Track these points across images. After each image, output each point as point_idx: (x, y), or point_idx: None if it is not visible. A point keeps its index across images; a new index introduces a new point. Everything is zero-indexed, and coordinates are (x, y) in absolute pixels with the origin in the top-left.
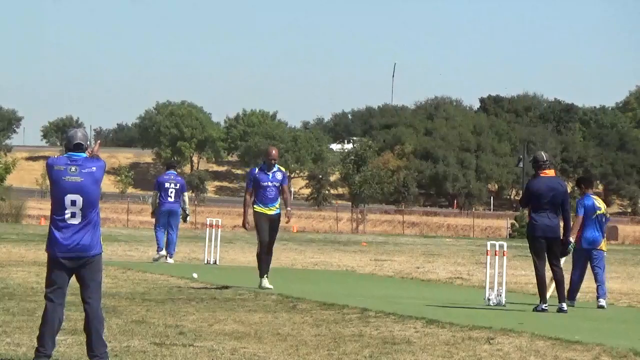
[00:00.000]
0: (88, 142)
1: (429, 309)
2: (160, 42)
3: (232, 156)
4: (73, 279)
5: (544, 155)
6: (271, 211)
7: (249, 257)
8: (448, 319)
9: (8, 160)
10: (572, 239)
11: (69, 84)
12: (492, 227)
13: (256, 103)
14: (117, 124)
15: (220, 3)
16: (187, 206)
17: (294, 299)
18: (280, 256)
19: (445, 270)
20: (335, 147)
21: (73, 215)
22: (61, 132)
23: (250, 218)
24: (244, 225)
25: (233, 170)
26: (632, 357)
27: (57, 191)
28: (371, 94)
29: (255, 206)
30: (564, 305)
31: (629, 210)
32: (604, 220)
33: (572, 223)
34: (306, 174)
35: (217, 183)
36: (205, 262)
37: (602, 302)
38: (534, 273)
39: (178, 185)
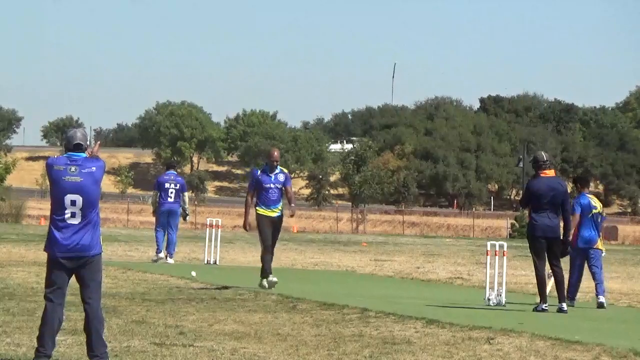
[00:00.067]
0: (88, 142)
1: (429, 309)
2: (160, 42)
3: (232, 156)
4: (73, 279)
5: (544, 155)
6: (274, 213)
7: (249, 257)
8: (448, 319)
9: (8, 160)
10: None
11: (69, 84)
12: (492, 227)
13: (256, 103)
14: (117, 124)
15: (220, 3)
16: (187, 206)
17: (294, 299)
18: (281, 256)
19: (445, 270)
20: (334, 147)
21: (73, 215)
22: (61, 132)
23: (252, 219)
24: (244, 227)
25: (233, 171)
26: (632, 357)
27: (56, 191)
28: (371, 94)
29: (257, 208)
30: (564, 305)
31: (629, 210)
32: (599, 219)
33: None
34: (306, 174)
35: (217, 183)
36: (205, 262)
37: (602, 298)
38: (534, 273)
39: (178, 185)
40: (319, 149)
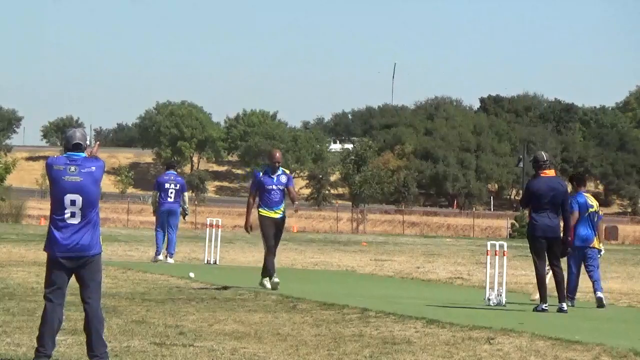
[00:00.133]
0: (87, 142)
1: (429, 309)
2: (160, 42)
3: (232, 156)
4: (73, 279)
5: (544, 155)
6: (276, 214)
7: (249, 257)
8: (448, 319)
9: (8, 160)
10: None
11: (69, 84)
12: (492, 227)
13: (256, 103)
14: (117, 124)
15: (220, 3)
16: (186, 206)
17: (294, 299)
18: (280, 256)
19: (445, 270)
20: (334, 147)
21: (73, 215)
22: (61, 132)
23: (253, 221)
24: (246, 229)
25: (233, 170)
26: (632, 357)
27: (56, 191)
28: (371, 94)
29: (260, 209)
30: (564, 305)
31: (629, 210)
32: (596, 218)
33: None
34: (306, 174)
35: (217, 183)
36: (205, 262)
37: (600, 294)
38: (534, 273)
39: (178, 185)
40: (319, 148)
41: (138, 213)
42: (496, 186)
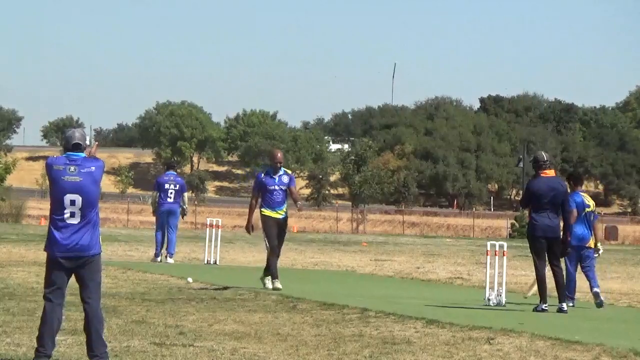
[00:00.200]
0: (87, 142)
1: (429, 309)
2: (160, 42)
3: (232, 156)
4: (73, 279)
5: (544, 155)
6: (279, 215)
7: (249, 257)
8: (448, 319)
9: (8, 160)
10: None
11: (69, 84)
12: (492, 227)
13: (256, 103)
14: (117, 124)
15: (220, 3)
16: (186, 206)
17: (294, 299)
18: (281, 256)
19: (445, 270)
20: (334, 147)
21: (72, 215)
22: (61, 132)
23: (254, 221)
24: (247, 229)
25: (233, 170)
26: (632, 357)
27: (56, 191)
28: (371, 94)
29: (262, 209)
30: (564, 305)
31: (629, 210)
32: (592, 217)
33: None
34: (306, 174)
35: (217, 183)
36: (205, 262)
37: (596, 289)
38: (534, 273)
39: (178, 186)
40: (319, 149)
41: (138, 213)
42: (496, 186)
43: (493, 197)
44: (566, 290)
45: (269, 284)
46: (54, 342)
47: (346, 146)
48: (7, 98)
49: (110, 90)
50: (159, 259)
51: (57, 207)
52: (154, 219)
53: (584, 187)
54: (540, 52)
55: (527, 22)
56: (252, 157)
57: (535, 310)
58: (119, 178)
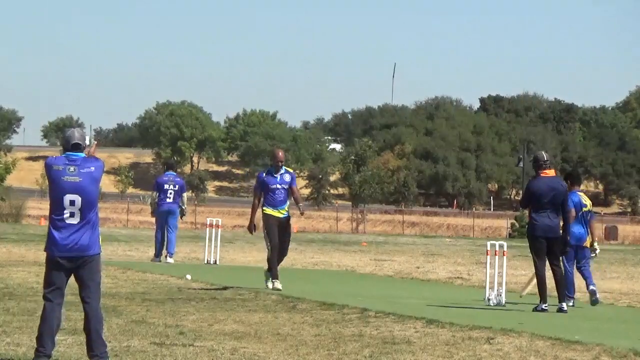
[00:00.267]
0: (86, 142)
1: (429, 309)
2: (160, 42)
3: (232, 156)
4: (72, 279)
5: (544, 155)
6: (281, 214)
7: (248, 257)
8: (448, 319)
9: (8, 160)
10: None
11: (69, 84)
12: (492, 227)
13: (256, 103)
14: (117, 124)
15: (220, 3)
16: (185, 206)
17: (294, 299)
18: None
19: (445, 270)
20: (334, 147)
21: (72, 215)
22: (61, 132)
23: (257, 221)
24: (249, 229)
25: (233, 170)
26: (632, 357)
27: (55, 191)
28: (371, 94)
29: (264, 208)
30: (564, 305)
31: (629, 210)
32: (589, 217)
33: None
34: (306, 174)
35: (217, 183)
36: (205, 262)
37: (592, 287)
38: (531, 272)
39: (177, 186)
40: (319, 148)
41: (138, 213)
42: (496, 186)
43: (493, 197)
44: (566, 290)
45: (269, 284)
46: (53, 342)
47: (339, 146)
48: (7, 98)
49: (110, 90)
50: (159, 259)
51: (56, 207)
52: (153, 219)
53: (583, 187)
54: (540, 52)
55: (527, 22)
56: (252, 157)
57: (535, 310)
58: (119, 178)
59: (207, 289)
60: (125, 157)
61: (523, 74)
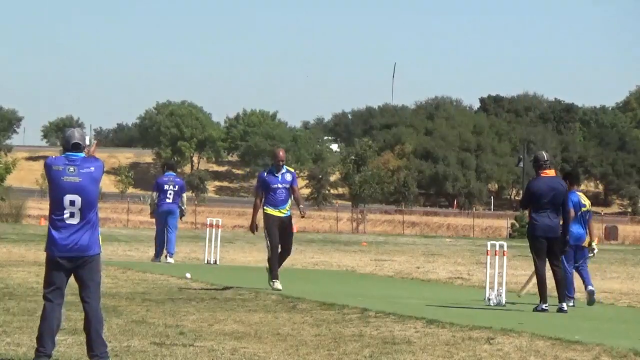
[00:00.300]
0: (86, 142)
1: (429, 309)
2: (160, 42)
3: (232, 156)
4: (72, 279)
5: (544, 155)
6: (282, 213)
7: (248, 257)
8: (448, 319)
9: (8, 160)
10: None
11: (69, 84)
12: (492, 227)
13: (256, 103)
14: (117, 124)
15: (220, 3)
16: (184, 207)
17: (294, 299)
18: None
19: (445, 270)
20: (335, 146)
21: (72, 215)
22: (61, 132)
23: (258, 221)
24: (251, 229)
25: (233, 170)
26: (632, 357)
27: (55, 191)
28: (371, 94)
29: (265, 208)
30: (564, 305)
31: (629, 210)
32: (587, 217)
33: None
34: (306, 174)
35: (217, 183)
36: (206, 262)
37: (590, 287)
38: (530, 272)
39: (177, 187)
40: (319, 148)
41: (138, 213)
42: (496, 186)
43: (493, 197)
44: (566, 290)
45: (270, 284)
46: (54, 342)
47: (335, 146)
48: (7, 98)
49: (110, 90)
50: (158, 259)
51: (56, 208)
52: (153, 219)
53: (583, 187)
54: (540, 52)
55: (527, 22)
56: (252, 157)
57: (535, 310)
58: (119, 178)
59: (207, 289)
60: (125, 157)
61: (523, 74)
